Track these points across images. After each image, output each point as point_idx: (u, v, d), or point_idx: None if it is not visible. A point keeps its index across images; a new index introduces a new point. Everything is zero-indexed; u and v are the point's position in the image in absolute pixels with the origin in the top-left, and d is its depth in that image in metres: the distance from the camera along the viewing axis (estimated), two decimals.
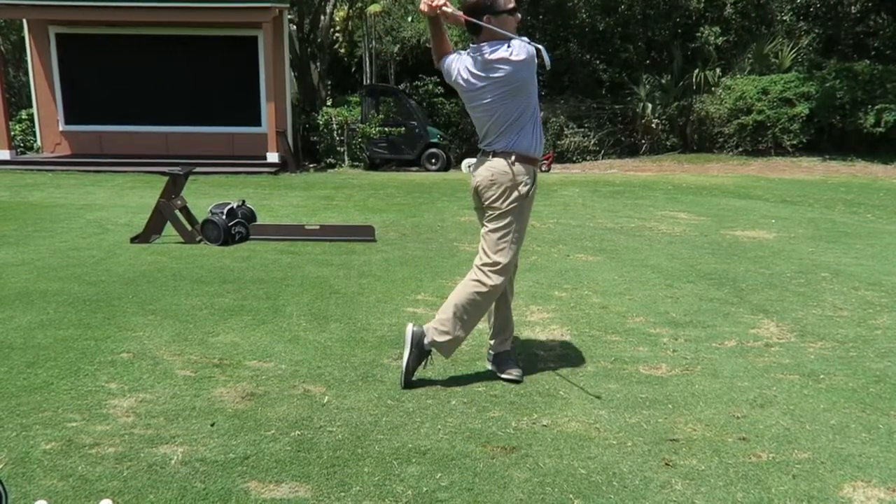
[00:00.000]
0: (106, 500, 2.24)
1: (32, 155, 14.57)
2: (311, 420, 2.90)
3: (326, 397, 3.13)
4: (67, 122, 14.59)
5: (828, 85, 15.35)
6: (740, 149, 16.24)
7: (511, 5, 3.05)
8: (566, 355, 3.68)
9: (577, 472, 2.51)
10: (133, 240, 6.45)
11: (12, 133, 14.10)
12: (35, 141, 14.94)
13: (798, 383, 3.32)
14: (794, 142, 15.62)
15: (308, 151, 15.44)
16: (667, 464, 2.57)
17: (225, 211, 6.52)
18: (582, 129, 16.57)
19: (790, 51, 17.00)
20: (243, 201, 6.90)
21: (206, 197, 9.02)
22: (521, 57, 2.98)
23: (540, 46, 3.03)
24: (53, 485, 2.38)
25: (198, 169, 12.51)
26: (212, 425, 2.83)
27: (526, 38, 3.03)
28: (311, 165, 14.92)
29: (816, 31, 17.57)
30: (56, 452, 2.60)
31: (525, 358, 3.64)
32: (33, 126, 14.95)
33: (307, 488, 2.39)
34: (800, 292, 4.93)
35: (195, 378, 3.33)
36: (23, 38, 15.39)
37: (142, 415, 2.93)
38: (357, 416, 2.95)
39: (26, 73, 15.56)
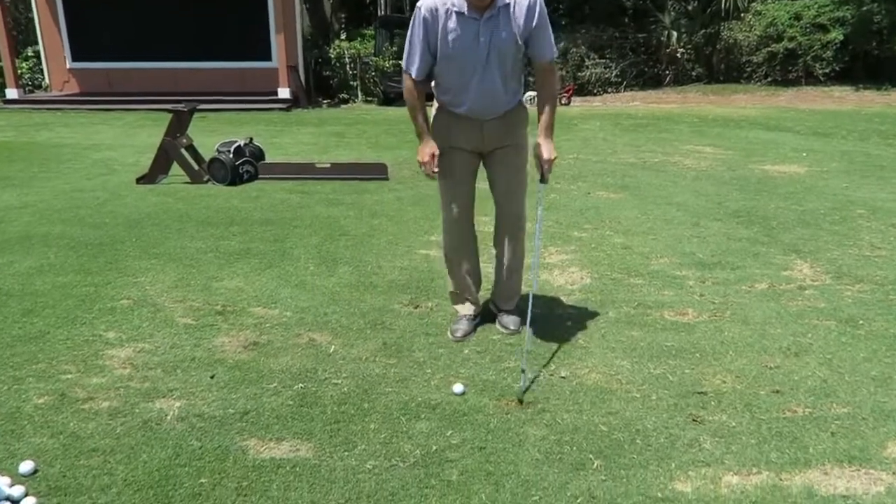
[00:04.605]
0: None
1: (41, 93, 14.34)
2: (316, 372, 2.75)
3: (332, 347, 2.98)
4: (74, 59, 14.28)
5: (865, 9, 14.51)
6: (769, 78, 15.55)
7: None
8: (586, 300, 3.48)
9: (597, 429, 2.34)
10: (139, 180, 6.27)
11: (20, 71, 13.84)
12: (43, 79, 14.68)
13: (835, 330, 3.10)
14: (827, 70, 14.92)
15: (321, 87, 15.02)
16: (694, 420, 2.39)
17: (232, 149, 6.30)
18: (603, 60, 15.89)
19: None
20: (251, 139, 6.66)
21: (215, 135, 8.77)
22: None
23: None
24: (43, 443, 2.26)
25: (208, 106, 12.25)
26: (211, 377, 2.69)
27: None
28: (325, 101, 14.53)
29: None
30: (48, 407, 2.48)
31: (542, 303, 3.45)
32: (40, 63, 14.65)
33: (309, 447, 2.25)
34: (834, 230, 4.65)
35: (196, 326, 3.18)
36: None
37: (139, 366, 2.79)
38: (364, 367, 2.79)
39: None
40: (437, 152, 2.85)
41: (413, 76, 2.80)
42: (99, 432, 2.32)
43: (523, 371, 2.63)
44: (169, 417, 2.42)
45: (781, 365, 2.78)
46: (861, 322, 3.18)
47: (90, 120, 11.46)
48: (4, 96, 13.31)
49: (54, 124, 10.88)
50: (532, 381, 2.65)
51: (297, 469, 2.13)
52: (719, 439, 2.27)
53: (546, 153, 2.77)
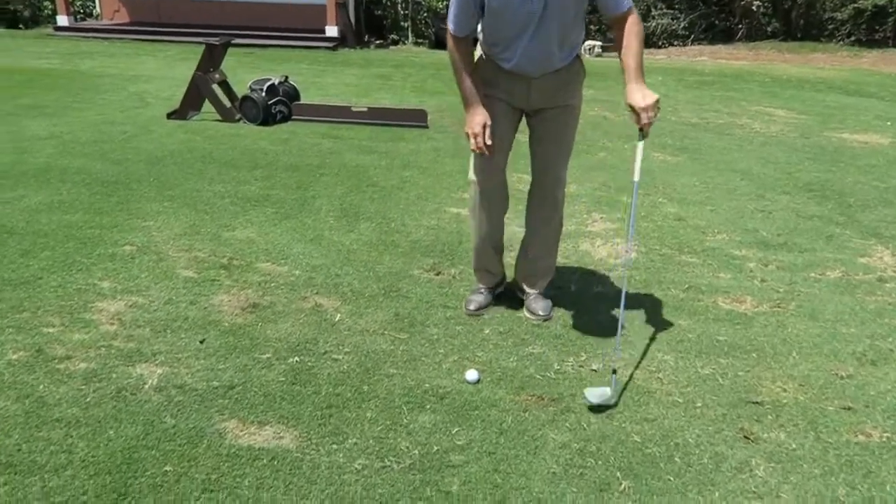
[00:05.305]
0: None
1: (92, 22, 14.21)
2: (316, 343, 2.46)
3: (339, 315, 2.68)
4: None
5: None
6: (852, 38, 14.34)
7: None
8: (630, 278, 3.09)
9: (629, 439, 2.00)
10: (169, 115, 6.02)
11: None
12: (94, 7, 14.54)
13: None
14: None
15: (373, 26, 14.49)
16: (746, 436, 2.02)
17: (265, 87, 5.98)
18: (671, 11, 14.87)
19: None
20: (286, 77, 6.32)
21: (257, 71, 8.47)
22: None
23: None
24: (6, 407, 2.04)
25: (254, 41, 11.92)
26: (201, 342, 2.43)
27: None
28: (376, 41, 14.04)
29: None
30: (21, 364, 2.26)
31: (579, 278, 3.08)
32: None
33: (294, 435, 1.97)
34: None
35: (197, 281, 2.93)
36: None
37: (126, 323, 2.55)
38: (370, 341, 2.49)
39: None
40: (489, 122, 2.42)
41: (453, 32, 2.38)
42: (68, 399, 2.09)
43: (614, 372, 2.24)
44: (146, 387, 2.17)
45: (855, 374, 2.37)
46: None
47: (136, 50, 11.28)
48: (56, 23, 13.22)
49: (100, 54, 10.73)
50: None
51: (276, 462, 1.85)
52: (775, 465, 1.91)
53: (640, 100, 2.21)
